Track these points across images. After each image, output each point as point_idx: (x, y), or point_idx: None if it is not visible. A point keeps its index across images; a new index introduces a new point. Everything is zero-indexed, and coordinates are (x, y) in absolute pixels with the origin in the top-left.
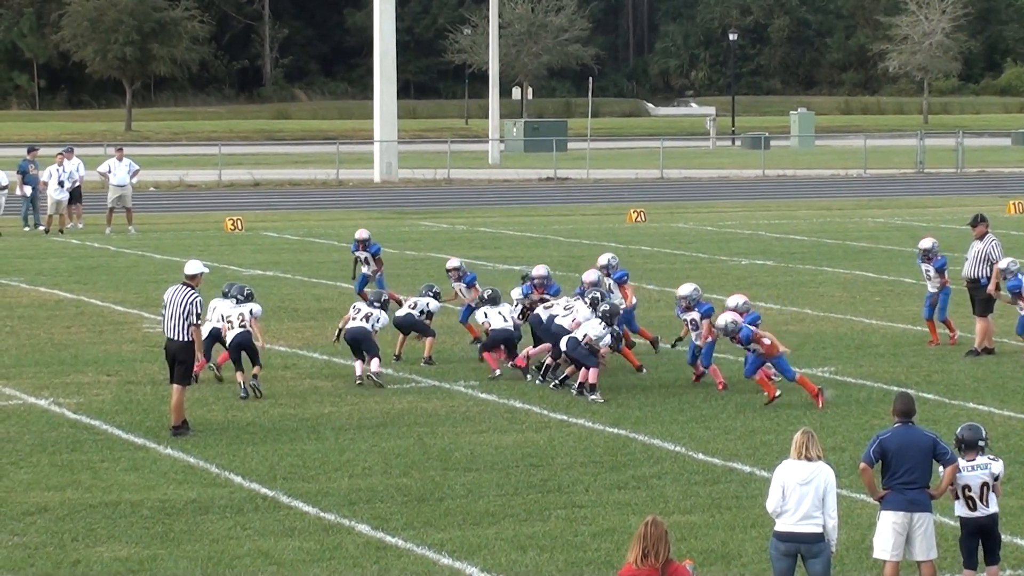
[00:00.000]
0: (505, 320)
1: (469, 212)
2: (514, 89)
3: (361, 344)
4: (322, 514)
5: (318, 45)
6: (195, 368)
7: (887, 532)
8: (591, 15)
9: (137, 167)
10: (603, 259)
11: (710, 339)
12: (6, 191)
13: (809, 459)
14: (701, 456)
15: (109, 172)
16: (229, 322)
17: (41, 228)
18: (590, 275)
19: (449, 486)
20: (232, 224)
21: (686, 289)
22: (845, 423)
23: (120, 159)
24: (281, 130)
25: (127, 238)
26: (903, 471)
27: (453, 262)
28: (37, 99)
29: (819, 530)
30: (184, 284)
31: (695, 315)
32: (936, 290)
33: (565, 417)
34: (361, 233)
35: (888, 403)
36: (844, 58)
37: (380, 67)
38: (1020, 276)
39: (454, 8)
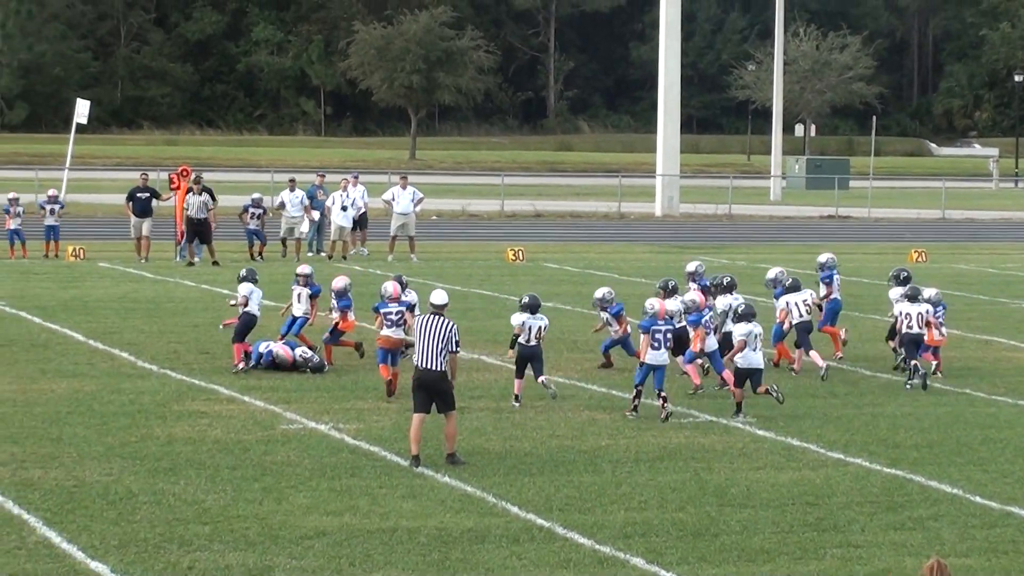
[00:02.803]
0: None
1: (749, 248)
2: (797, 126)
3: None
4: (597, 546)
5: (602, 78)
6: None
7: None
8: (876, 53)
9: (421, 195)
10: (599, 293)
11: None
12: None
13: None
14: (978, 499)
15: (393, 200)
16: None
17: (323, 254)
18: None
19: (725, 522)
20: (513, 254)
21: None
22: None
23: (404, 187)
24: (563, 162)
25: (410, 266)
26: None
27: (600, 292)
28: (323, 125)
29: None
30: (434, 314)
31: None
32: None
33: (842, 456)
34: (303, 268)
35: None
36: None
37: (664, 101)
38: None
39: (738, 44)
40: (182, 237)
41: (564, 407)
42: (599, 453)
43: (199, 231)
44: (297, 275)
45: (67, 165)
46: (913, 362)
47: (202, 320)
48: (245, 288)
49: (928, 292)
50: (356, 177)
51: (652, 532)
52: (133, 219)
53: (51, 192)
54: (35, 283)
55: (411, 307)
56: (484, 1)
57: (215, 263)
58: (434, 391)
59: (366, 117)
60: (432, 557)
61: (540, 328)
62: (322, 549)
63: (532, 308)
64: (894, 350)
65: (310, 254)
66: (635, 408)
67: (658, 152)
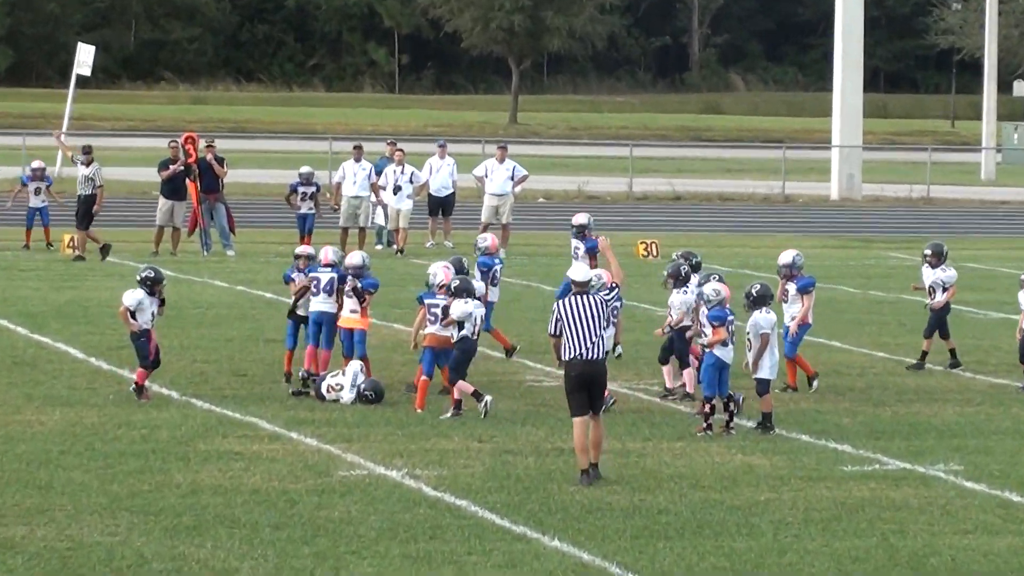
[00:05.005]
0: None
1: (954, 241)
2: (1015, 83)
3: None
4: None
5: (761, 19)
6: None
7: None
8: None
9: (524, 172)
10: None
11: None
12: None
13: None
14: None
15: (486, 176)
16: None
17: (394, 247)
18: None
19: None
20: (645, 249)
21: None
22: None
23: (501, 160)
24: (710, 128)
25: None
26: None
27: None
28: (397, 80)
29: None
30: (578, 294)
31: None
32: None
33: None
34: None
35: None
36: None
37: (842, 51)
38: None
39: None
40: (195, 225)
41: (710, 449)
42: (756, 510)
43: (85, 211)
44: (297, 256)
45: (64, 129)
46: None
47: (238, 332)
48: (131, 298)
49: None
50: (443, 147)
51: None
52: (162, 201)
53: (36, 164)
54: (20, 283)
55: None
56: None
57: (79, 257)
58: (595, 386)
59: (453, 69)
60: None
61: (481, 317)
62: None
63: (469, 292)
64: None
65: (379, 247)
66: (708, 426)
67: (834, 116)
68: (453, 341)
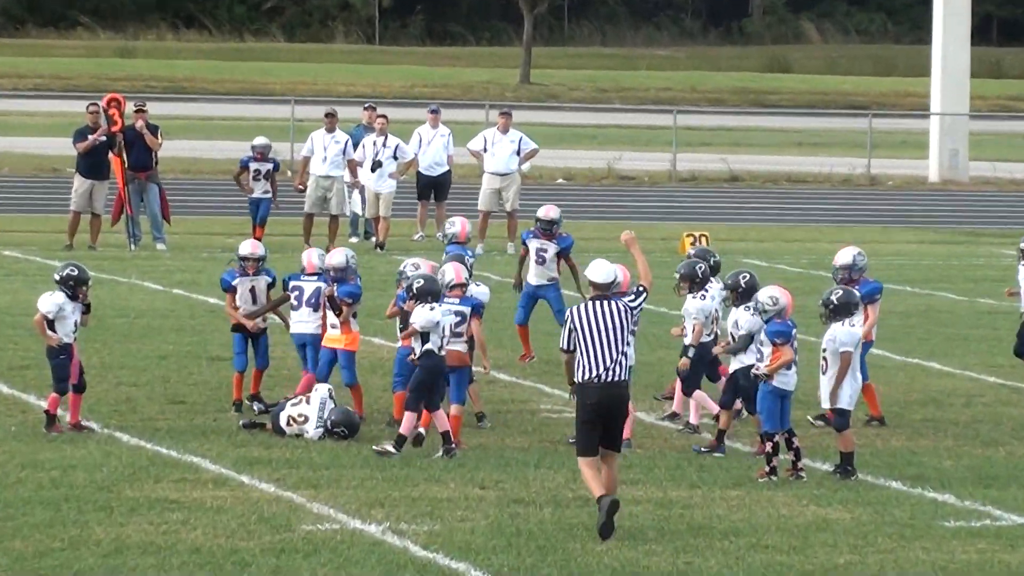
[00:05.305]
0: None
1: None
2: None
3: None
4: None
5: None
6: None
7: None
8: None
9: (534, 146)
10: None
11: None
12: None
13: None
14: None
15: (485, 151)
16: None
17: (373, 239)
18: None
19: None
20: (692, 242)
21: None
22: None
23: (505, 130)
24: (775, 91)
25: (507, 260)
26: None
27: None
28: (377, 28)
29: None
30: (595, 299)
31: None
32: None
33: None
34: (250, 247)
35: None
36: None
37: None
38: None
39: None
40: (120, 211)
41: (775, 499)
42: None
43: None
44: (243, 258)
45: None
46: None
47: (174, 348)
48: (49, 303)
49: None
50: (436, 113)
51: None
52: (78, 181)
53: None
54: None
55: (478, 308)
56: None
57: None
58: (613, 416)
59: (448, 14)
60: None
61: (450, 326)
62: None
63: (435, 296)
64: None
65: (354, 239)
66: (772, 470)
67: (933, 77)
68: (415, 357)
